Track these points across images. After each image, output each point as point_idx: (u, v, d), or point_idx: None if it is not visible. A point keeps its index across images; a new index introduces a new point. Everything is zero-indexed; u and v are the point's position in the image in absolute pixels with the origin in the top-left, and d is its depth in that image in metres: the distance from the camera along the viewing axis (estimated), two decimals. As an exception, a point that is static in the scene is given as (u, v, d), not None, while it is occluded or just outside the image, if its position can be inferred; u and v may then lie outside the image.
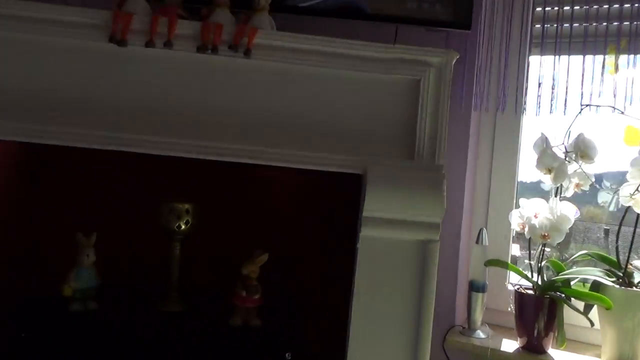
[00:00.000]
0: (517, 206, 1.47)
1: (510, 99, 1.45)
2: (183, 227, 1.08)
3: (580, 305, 1.24)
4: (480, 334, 1.40)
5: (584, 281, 1.34)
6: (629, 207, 1.22)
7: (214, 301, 1.21)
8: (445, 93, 1.02)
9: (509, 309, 1.46)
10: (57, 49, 1.01)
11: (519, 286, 1.39)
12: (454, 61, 1.04)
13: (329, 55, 1.01)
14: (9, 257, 1.22)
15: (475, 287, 1.40)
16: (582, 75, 1.32)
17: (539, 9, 1.37)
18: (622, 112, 1.28)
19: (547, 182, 1.34)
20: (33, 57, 1.01)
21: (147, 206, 1.25)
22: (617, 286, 1.22)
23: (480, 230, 1.42)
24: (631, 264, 1.26)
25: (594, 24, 1.30)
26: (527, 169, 1.55)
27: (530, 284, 1.35)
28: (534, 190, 1.56)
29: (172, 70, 1.02)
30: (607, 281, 1.23)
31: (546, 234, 1.28)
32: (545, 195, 1.37)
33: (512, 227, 1.38)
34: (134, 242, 1.29)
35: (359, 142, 1.02)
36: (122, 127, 1.01)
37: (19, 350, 0.99)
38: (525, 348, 1.33)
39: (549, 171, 1.26)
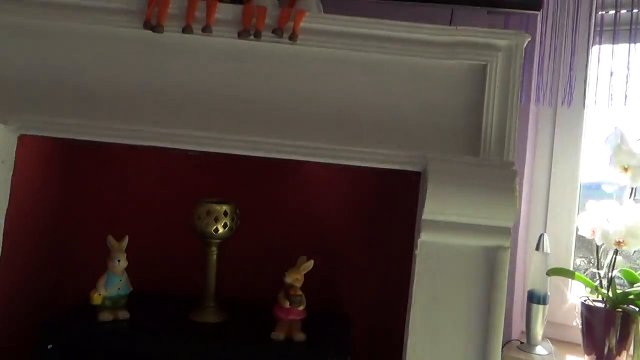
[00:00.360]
0: (580, 210, 1.35)
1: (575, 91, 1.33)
2: (221, 230, 0.99)
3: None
4: (542, 349, 1.29)
5: (663, 294, 1.21)
6: None
7: (254, 312, 1.11)
8: (515, 80, 0.90)
9: (574, 323, 1.34)
10: (88, 37, 0.94)
11: (585, 298, 1.27)
12: (526, 44, 0.92)
13: (383, 39, 0.91)
14: (37, 262, 1.15)
15: (535, 298, 1.28)
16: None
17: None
18: None
19: (620, 182, 1.21)
20: (62, 47, 0.94)
21: (183, 208, 1.17)
22: None
23: (541, 236, 1.30)
24: None
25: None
26: (587, 170, 1.42)
27: (598, 296, 1.22)
28: (594, 193, 1.44)
29: (211, 58, 0.93)
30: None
31: (621, 241, 1.16)
32: (605, 198, 1.25)
33: (581, 232, 1.25)
34: (168, 247, 1.21)
35: (418, 136, 0.91)
36: (157, 121, 0.92)
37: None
38: (594, 366, 1.21)
39: (625, 170, 1.13)
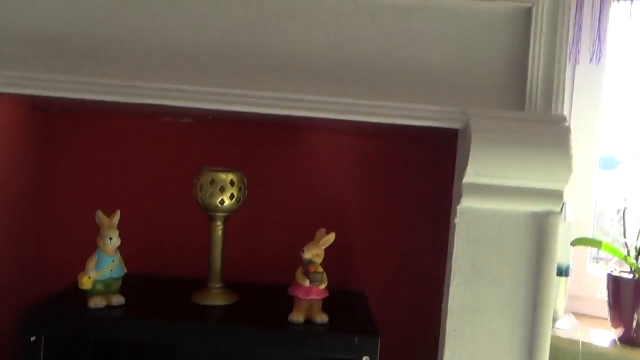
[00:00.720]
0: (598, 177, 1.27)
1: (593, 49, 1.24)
2: (227, 202, 0.86)
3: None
4: (565, 324, 1.22)
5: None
6: None
7: (265, 294, 0.99)
8: (564, 24, 0.79)
9: (599, 296, 1.26)
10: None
11: (612, 269, 1.20)
12: (572, -16, 0.81)
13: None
14: (12, 244, 1.02)
15: (557, 270, 1.20)
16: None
17: None
18: None
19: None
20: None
21: (181, 179, 1.04)
22: None
23: (563, 205, 1.20)
24: None
25: None
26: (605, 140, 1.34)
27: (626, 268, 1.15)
28: (607, 165, 1.36)
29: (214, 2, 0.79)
30: None
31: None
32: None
33: (607, 200, 1.16)
34: (165, 223, 1.09)
35: (455, 89, 0.80)
36: (148, 75, 0.79)
37: (27, 357, 0.78)
38: (622, 341, 1.15)
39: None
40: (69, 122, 1.09)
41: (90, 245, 0.85)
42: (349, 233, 1.10)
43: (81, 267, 0.83)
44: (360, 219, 1.10)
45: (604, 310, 1.23)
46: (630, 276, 1.16)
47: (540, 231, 0.77)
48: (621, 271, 1.19)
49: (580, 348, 1.14)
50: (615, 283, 1.17)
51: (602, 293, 1.24)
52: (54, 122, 1.09)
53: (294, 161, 1.10)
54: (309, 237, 1.00)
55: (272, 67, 0.80)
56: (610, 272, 1.20)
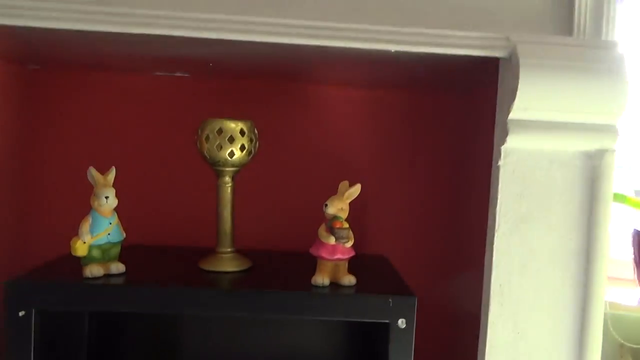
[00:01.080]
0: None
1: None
2: (237, 154, 0.77)
3: None
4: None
5: None
6: None
7: (283, 259, 0.90)
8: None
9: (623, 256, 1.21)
10: None
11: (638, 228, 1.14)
12: None
13: None
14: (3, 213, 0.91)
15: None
16: None
17: None
18: None
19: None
20: None
21: (181, 136, 0.94)
22: None
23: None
24: None
25: None
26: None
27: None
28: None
29: None
30: None
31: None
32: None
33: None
34: (167, 186, 0.99)
35: (494, 13, 0.70)
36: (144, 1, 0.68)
37: (17, 334, 0.68)
38: (650, 299, 1.09)
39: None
40: (51, 78, 0.98)
41: (82, 212, 0.75)
42: (365, 192, 1.01)
43: (73, 234, 0.73)
44: (375, 176, 1.02)
45: (629, 272, 1.17)
46: (658, 233, 1.11)
47: (594, 172, 0.69)
48: (648, 228, 1.13)
49: (607, 308, 1.08)
50: (641, 239, 1.12)
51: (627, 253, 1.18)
52: (35, 78, 0.98)
53: (304, 117, 1.00)
54: (322, 196, 0.91)
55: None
56: (636, 229, 1.14)
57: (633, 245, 1.15)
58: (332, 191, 0.94)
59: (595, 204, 0.70)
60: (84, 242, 0.71)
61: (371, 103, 1.01)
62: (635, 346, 1.03)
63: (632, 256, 1.15)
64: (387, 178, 1.02)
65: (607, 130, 0.68)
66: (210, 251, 0.82)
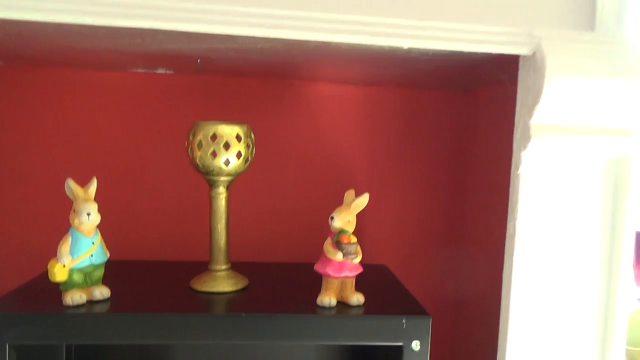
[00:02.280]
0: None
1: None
2: (233, 162, 0.70)
3: None
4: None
5: None
6: None
7: (282, 274, 0.84)
8: None
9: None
10: None
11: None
12: None
13: None
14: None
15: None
16: None
17: None
18: None
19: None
20: None
21: (168, 139, 0.87)
22: None
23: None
24: None
25: None
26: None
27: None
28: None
29: None
30: None
31: None
32: None
33: None
34: (153, 195, 0.91)
35: (513, 4, 0.65)
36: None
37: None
38: (652, 299, 1.07)
39: None
40: (18, 76, 0.89)
41: (60, 227, 0.67)
42: (376, 196, 0.95)
43: (51, 254, 0.65)
44: (373, 178, 0.96)
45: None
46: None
47: (617, 179, 0.65)
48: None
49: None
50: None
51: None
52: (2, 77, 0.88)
53: (298, 115, 0.94)
54: (318, 200, 0.85)
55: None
56: (636, 230, 1.11)
57: (636, 246, 1.12)
58: (329, 195, 0.88)
59: (618, 211, 0.65)
60: (64, 266, 0.63)
61: (367, 101, 0.95)
62: (632, 349, 1.01)
63: (633, 256, 1.13)
64: (385, 180, 0.96)
65: (630, 134, 0.64)
66: (203, 268, 0.75)
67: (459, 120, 0.96)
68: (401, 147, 0.96)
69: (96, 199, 0.67)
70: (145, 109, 0.91)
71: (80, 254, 0.64)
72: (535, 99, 0.61)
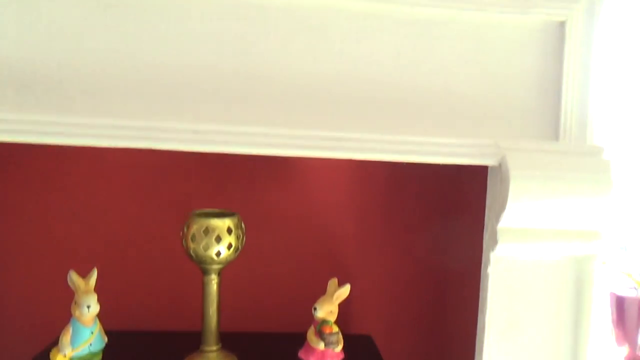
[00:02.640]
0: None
1: None
2: (225, 253, 0.75)
3: None
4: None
5: None
6: None
7: (269, 348, 0.88)
8: (599, 41, 0.71)
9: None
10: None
11: (616, 287, 1.17)
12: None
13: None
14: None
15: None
16: None
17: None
18: None
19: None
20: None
21: (169, 222, 0.91)
22: None
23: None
24: None
25: None
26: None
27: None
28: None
29: (207, 19, 0.67)
30: None
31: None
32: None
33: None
34: (151, 278, 0.95)
35: (479, 117, 0.71)
36: (131, 110, 0.66)
37: None
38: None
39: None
40: (11, 155, 0.92)
41: (59, 309, 0.72)
42: (349, 273, 1.00)
43: (47, 338, 0.70)
44: (360, 251, 1.00)
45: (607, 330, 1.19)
46: (635, 294, 1.14)
47: (580, 277, 0.70)
48: (628, 288, 1.16)
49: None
50: (619, 302, 1.15)
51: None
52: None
53: (287, 195, 0.98)
54: (311, 277, 0.90)
55: (269, 97, 0.68)
56: (613, 292, 1.16)
57: (611, 307, 1.17)
58: (315, 268, 0.93)
59: (582, 307, 0.70)
60: (65, 356, 0.68)
61: (356, 174, 1.00)
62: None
63: (611, 317, 1.17)
64: (372, 254, 1.01)
65: (594, 236, 0.69)
66: (196, 339, 0.80)
67: (447, 199, 0.99)
68: (388, 219, 1.01)
69: (99, 284, 0.71)
70: (135, 183, 0.94)
71: (80, 343, 0.69)
72: (502, 207, 0.67)
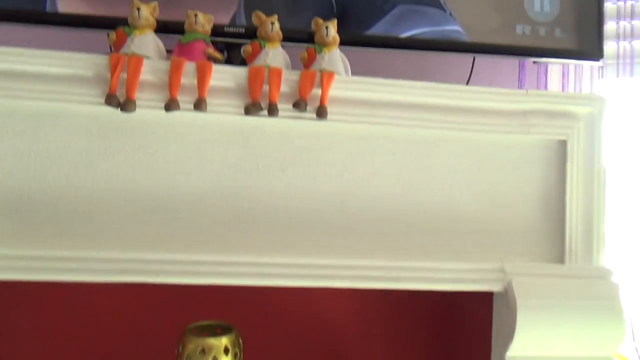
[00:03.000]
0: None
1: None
2: (221, 371, 0.72)
3: None
4: None
5: None
6: None
7: None
8: (600, 158, 0.70)
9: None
10: (19, 117, 0.63)
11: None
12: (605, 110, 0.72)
13: (434, 108, 0.68)
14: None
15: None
16: None
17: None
18: None
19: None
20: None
21: (164, 340, 0.87)
22: None
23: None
24: None
25: None
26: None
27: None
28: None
29: (205, 145, 0.66)
30: None
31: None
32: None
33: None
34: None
35: (485, 238, 0.69)
36: (128, 243, 0.63)
37: None
38: None
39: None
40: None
41: None
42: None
43: None
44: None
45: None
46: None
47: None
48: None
49: None
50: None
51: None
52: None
53: (285, 309, 0.94)
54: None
55: (270, 224, 0.66)
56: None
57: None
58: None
59: None
60: None
61: (357, 298, 0.95)
62: None
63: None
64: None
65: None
66: None
67: (450, 319, 0.95)
68: (393, 344, 0.95)
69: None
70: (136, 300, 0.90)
71: None
72: (510, 335, 0.64)
